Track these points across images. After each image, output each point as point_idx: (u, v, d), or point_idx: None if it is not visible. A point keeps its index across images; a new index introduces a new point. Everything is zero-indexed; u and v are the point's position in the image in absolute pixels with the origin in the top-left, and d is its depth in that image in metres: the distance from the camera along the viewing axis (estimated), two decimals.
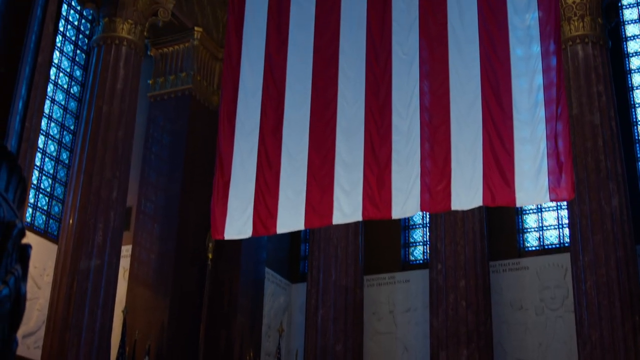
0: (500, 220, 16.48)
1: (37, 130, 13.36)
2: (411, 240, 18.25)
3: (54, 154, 15.74)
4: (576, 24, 14.91)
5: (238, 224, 9.51)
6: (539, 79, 9.10)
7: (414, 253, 18.12)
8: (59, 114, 15.94)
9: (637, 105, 16.87)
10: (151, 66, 16.87)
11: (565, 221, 16.15)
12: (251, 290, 16.58)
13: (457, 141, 9.09)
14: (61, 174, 15.80)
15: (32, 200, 14.95)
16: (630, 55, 17.36)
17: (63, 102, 16.09)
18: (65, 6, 16.21)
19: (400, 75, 9.52)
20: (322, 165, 9.41)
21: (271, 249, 17.78)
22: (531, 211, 17.36)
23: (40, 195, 15.27)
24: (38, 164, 15.11)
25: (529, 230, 17.28)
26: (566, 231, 16.12)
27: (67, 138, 16.06)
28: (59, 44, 16.00)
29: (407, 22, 9.67)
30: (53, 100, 15.78)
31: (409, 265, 17.90)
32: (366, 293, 16.19)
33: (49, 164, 15.61)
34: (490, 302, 14.57)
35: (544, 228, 17.19)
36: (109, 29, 14.88)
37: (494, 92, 9.18)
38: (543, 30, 9.25)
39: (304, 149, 9.52)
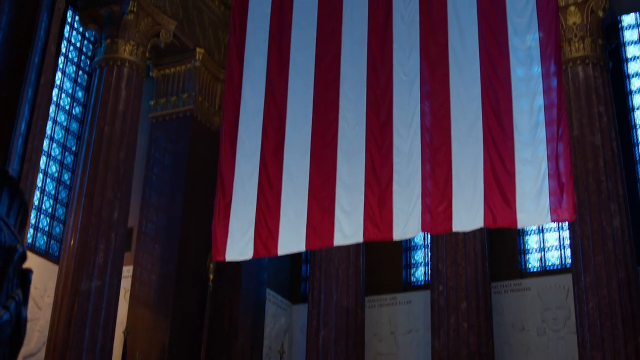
0: (501, 241, 16.44)
1: (39, 151, 13.37)
2: (412, 261, 18.20)
3: (56, 174, 15.75)
4: (577, 45, 14.95)
5: (239, 245, 9.49)
6: (539, 100, 9.10)
7: (416, 274, 18.07)
8: (60, 135, 15.96)
9: (637, 126, 16.86)
10: (153, 87, 16.90)
11: (567, 242, 16.12)
12: (252, 311, 16.53)
13: (458, 162, 9.09)
14: (62, 194, 15.80)
15: (33, 221, 14.94)
16: (631, 76, 17.38)
17: (65, 123, 16.12)
18: (67, 27, 16.28)
19: (401, 96, 9.53)
20: (323, 187, 9.40)
21: (272, 270, 17.73)
22: (533, 232, 17.33)
23: (42, 216, 15.27)
24: (39, 184, 15.11)
25: (530, 251, 17.24)
26: (568, 252, 16.10)
27: (69, 159, 16.07)
28: (61, 65, 16.05)
29: (407, 43, 9.70)
30: (55, 121, 15.81)
31: (410, 287, 17.84)
32: (367, 314, 16.13)
33: (51, 184, 15.61)
34: (491, 323, 14.51)
35: (546, 249, 17.15)
36: (111, 50, 14.93)
37: (495, 113, 9.18)
38: (544, 51, 9.26)
39: (305, 170, 9.52)
